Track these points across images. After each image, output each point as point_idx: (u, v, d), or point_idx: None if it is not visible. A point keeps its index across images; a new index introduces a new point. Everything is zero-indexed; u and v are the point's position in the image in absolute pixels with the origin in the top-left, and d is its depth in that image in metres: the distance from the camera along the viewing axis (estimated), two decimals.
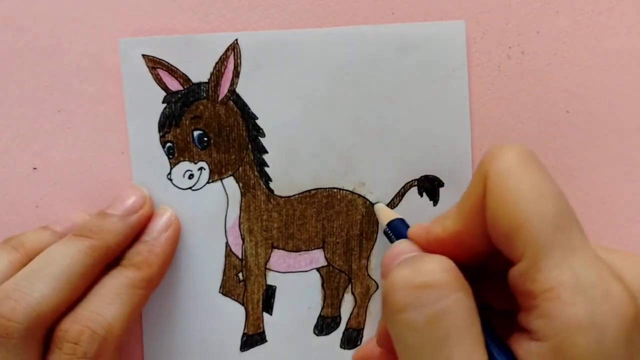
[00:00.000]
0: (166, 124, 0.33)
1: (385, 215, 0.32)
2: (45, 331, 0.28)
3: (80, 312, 0.29)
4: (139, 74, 0.32)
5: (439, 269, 0.22)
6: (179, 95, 0.33)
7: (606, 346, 0.20)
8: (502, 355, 0.22)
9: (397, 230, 0.30)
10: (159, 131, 0.33)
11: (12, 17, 0.32)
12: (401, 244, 0.26)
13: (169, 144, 0.33)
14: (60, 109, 0.33)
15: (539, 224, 0.21)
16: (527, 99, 0.33)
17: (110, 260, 0.31)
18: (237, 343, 0.34)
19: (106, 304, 0.29)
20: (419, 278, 0.22)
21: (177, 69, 0.33)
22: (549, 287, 0.20)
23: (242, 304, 0.34)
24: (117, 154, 0.33)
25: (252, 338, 0.34)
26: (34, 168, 0.33)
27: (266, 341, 0.34)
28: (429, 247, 0.25)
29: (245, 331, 0.34)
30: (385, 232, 0.31)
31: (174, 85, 0.33)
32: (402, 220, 0.31)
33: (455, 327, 0.21)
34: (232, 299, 0.34)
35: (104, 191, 0.33)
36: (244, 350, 0.34)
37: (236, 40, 0.32)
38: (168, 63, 0.33)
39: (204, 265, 0.34)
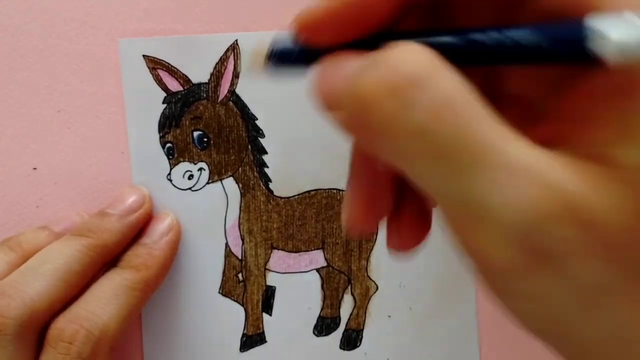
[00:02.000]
0: (166, 124, 0.33)
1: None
2: (39, 329, 0.28)
3: (76, 312, 0.29)
4: (139, 74, 0.33)
5: (413, 55, 0.18)
6: (179, 96, 0.33)
7: None
8: None
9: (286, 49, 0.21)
10: (159, 131, 0.33)
11: (12, 17, 0.32)
12: (335, 64, 0.20)
13: (168, 145, 0.33)
14: (60, 109, 0.33)
15: None
16: None
17: (108, 259, 0.31)
18: (237, 343, 0.34)
19: (103, 305, 0.29)
20: (399, 76, 0.17)
21: (177, 69, 0.33)
22: None
23: (242, 305, 0.34)
24: (117, 154, 0.33)
25: (252, 338, 0.34)
26: (34, 168, 0.33)
27: (266, 342, 0.34)
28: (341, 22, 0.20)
29: (245, 332, 0.34)
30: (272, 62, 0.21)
31: (174, 85, 0.33)
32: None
33: (469, 108, 0.17)
34: (232, 300, 0.34)
35: (104, 191, 0.33)
36: (244, 351, 0.34)
37: (236, 40, 0.33)
38: (168, 63, 0.33)
39: (204, 265, 0.34)
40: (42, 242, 0.31)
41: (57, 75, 0.33)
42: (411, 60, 0.18)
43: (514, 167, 0.17)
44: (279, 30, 0.33)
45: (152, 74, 0.33)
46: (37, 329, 0.28)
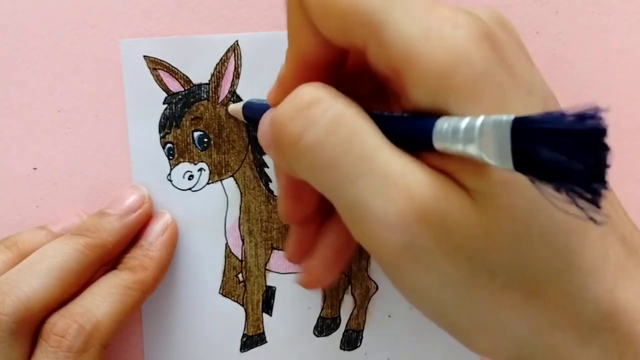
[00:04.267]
0: (166, 124, 0.33)
1: (237, 108, 0.32)
2: (35, 326, 0.28)
3: (70, 308, 0.29)
4: (139, 74, 0.33)
5: (313, 88, 0.22)
6: (180, 96, 0.33)
7: (478, 68, 0.19)
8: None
9: (256, 106, 0.30)
10: (159, 132, 0.33)
11: (12, 17, 0.32)
12: (269, 112, 0.25)
13: (169, 145, 0.33)
14: (60, 109, 0.33)
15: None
16: None
17: (107, 260, 0.31)
18: (237, 344, 0.34)
19: (97, 302, 0.29)
20: (300, 102, 0.21)
21: (177, 70, 0.33)
22: (405, 55, 0.20)
23: (242, 305, 0.34)
24: (117, 154, 0.33)
25: (252, 339, 0.34)
26: (34, 168, 0.33)
27: (266, 342, 0.34)
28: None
29: (245, 332, 0.34)
30: (246, 118, 0.31)
31: (175, 86, 0.33)
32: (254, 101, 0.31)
33: (356, 124, 0.21)
34: (232, 300, 0.34)
35: (104, 191, 0.33)
36: (244, 351, 0.34)
37: (237, 41, 0.33)
38: (169, 64, 0.33)
39: (204, 266, 0.34)
40: (40, 242, 0.31)
41: (57, 75, 0.33)
42: (311, 88, 0.22)
43: (388, 177, 0.20)
44: (279, 30, 0.33)
45: (153, 75, 0.33)
46: (32, 326, 0.28)
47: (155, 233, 0.32)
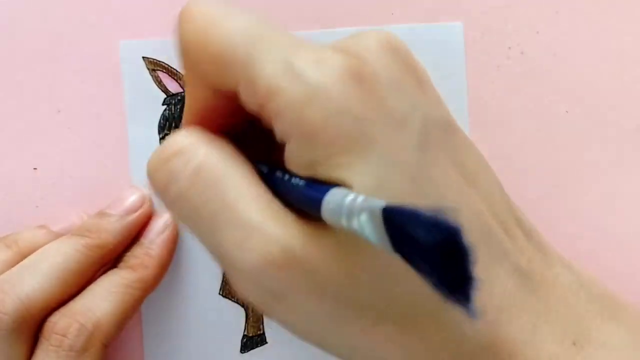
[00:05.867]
0: (166, 125, 0.33)
1: None
2: (35, 326, 0.28)
3: (71, 307, 0.29)
4: (139, 75, 0.33)
5: (182, 136, 0.22)
6: (179, 97, 0.33)
7: (335, 103, 0.20)
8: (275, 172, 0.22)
9: None
10: (159, 133, 0.33)
11: (12, 17, 0.32)
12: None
13: None
14: (60, 109, 0.33)
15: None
16: (527, 99, 0.33)
17: (107, 260, 0.31)
18: (237, 345, 0.34)
19: (98, 301, 0.29)
20: (165, 152, 0.22)
21: (177, 71, 0.33)
22: (267, 91, 0.20)
23: (242, 306, 0.34)
24: (117, 155, 0.33)
25: (252, 340, 0.34)
26: (34, 168, 0.33)
27: (266, 343, 0.34)
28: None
29: (246, 333, 0.34)
30: None
31: (174, 87, 0.33)
32: None
33: (216, 175, 0.21)
34: (232, 301, 0.34)
35: (104, 191, 0.33)
36: (244, 352, 0.34)
37: None
38: (168, 65, 0.33)
39: (204, 266, 0.34)
40: (40, 241, 0.31)
41: (57, 75, 0.33)
42: (180, 137, 0.22)
43: (247, 227, 0.20)
44: None
45: (152, 76, 0.33)
46: (32, 325, 0.28)
47: (156, 231, 0.32)
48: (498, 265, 0.22)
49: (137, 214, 0.32)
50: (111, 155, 0.33)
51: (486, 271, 0.22)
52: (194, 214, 0.22)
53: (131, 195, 0.32)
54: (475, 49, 0.33)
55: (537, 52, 0.33)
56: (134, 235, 0.32)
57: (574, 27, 0.33)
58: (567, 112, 0.33)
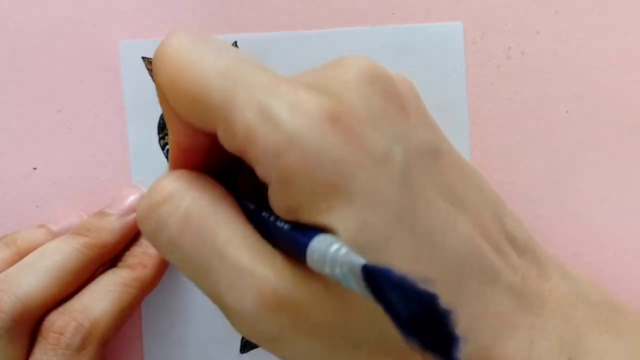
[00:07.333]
0: (165, 126, 0.33)
1: None
2: (33, 324, 0.29)
3: (69, 305, 0.29)
4: (138, 76, 0.33)
5: (169, 181, 0.22)
6: None
7: (312, 149, 0.20)
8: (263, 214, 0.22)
9: None
10: (158, 133, 0.33)
11: (12, 17, 0.33)
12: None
13: (168, 146, 0.33)
14: (60, 109, 0.33)
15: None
16: (527, 99, 0.33)
17: (107, 259, 0.31)
18: (237, 345, 0.34)
19: (96, 300, 0.29)
20: (154, 199, 0.22)
21: None
22: (244, 137, 0.20)
23: None
24: (117, 155, 0.33)
25: None
26: (34, 168, 0.33)
27: None
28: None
29: None
30: None
31: None
32: None
33: (205, 221, 0.21)
34: None
35: (104, 191, 0.33)
36: (244, 352, 0.34)
37: (235, 42, 0.33)
38: None
39: None
40: (39, 241, 0.31)
41: (57, 76, 0.33)
42: (167, 182, 0.22)
43: (237, 272, 0.21)
44: (278, 31, 0.33)
45: (152, 76, 0.33)
46: (30, 324, 0.28)
47: None
48: (490, 287, 0.22)
49: (136, 213, 0.32)
50: (111, 155, 0.33)
51: (478, 294, 0.22)
52: (186, 260, 0.22)
53: (130, 194, 0.32)
54: (475, 49, 0.33)
55: (537, 52, 0.33)
56: (133, 235, 0.32)
57: (574, 27, 0.33)
58: (567, 112, 0.33)
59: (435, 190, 0.22)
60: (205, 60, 0.21)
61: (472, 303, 0.21)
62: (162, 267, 0.32)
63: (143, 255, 0.31)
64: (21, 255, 0.30)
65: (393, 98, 0.22)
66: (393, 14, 0.33)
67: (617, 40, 0.33)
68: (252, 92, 0.20)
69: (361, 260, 0.17)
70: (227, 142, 0.21)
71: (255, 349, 0.34)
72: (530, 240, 0.26)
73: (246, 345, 0.34)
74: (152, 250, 0.31)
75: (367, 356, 0.22)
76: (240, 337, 0.34)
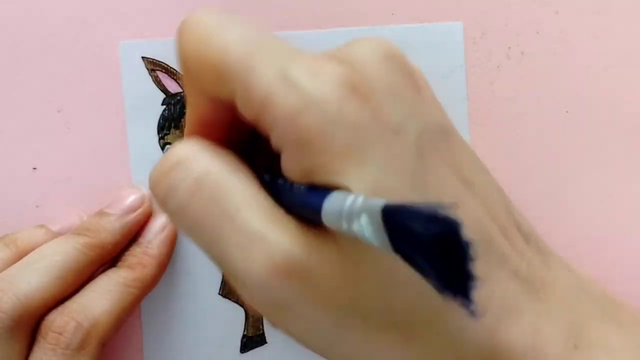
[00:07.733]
0: (165, 126, 0.33)
1: None
2: (33, 324, 0.29)
3: (69, 305, 0.29)
4: (138, 76, 0.33)
5: (183, 147, 0.22)
6: (178, 98, 0.33)
7: (329, 112, 0.20)
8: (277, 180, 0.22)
9: None
10: (158, 133, 0.33)
11: (12, 17, 0.33)
12: None
13: (168, 146, 0.33)
14: (60, 109, 0.33)
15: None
16: (527, 99, 0.33)
17: (106, 259, 0.31)
18: (237, 345, 0.34)
19: (95, 300, 0.29)
20: (166, 164, 0.22)
21: (176, 71, 0.33)
22: (262, 101, 0.20)
23: (242, 306, 0.34)
24: (117, 154, 0.33)
25: (252, 340, 0.34)
26: (34, 168, 0.33)
27: (266, 342, 0.34)
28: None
29: (245, 333, 0.34)
30: None
31: (173, 87, 0.33)
32: None
33: (217, 185, 0.21)
34: (232, 301, 0.34)
35: (104, 191, 0.33)
36: (244, 352, 0.34)
37: None
38: (167, 65, 0.33)
39: (203, 267, 0.34)
40: (39, 241, 0.31)
41: (57, 75, 0.33)
42: (181, 147, 0.22)
43: (249, 237, 0.20)
44: (278, 30, 0.33)
45: (152, 76, 0.33)
46: (30, 324, 0.28)
47: (155, 231, 0.32)
48: (498, 270, 0.22)
49: (136, 213, 0.32)
50: (111, 155, 0.33)
51: (486, 276, 0.22)
52: (195, 225, 0.21)
53: (130, 194, 0.32)
54: (475, 49, 0.33)
55: (537, 52, 0.33)
56: (133, 235, 0.32)
57: (574, 27, 0.33)
58: (567, 112, 0.33)
59: (446, 167, 0.22)
60: (228, 30, 0.21)
61: (477, 285, 0.21)
62: (162, 267, 0.32)
63: (143, 255, 0.31)
64: (21, 255, 0.30)
65: (407, 77, 0.22)
66: (393, 14, 0.33)
67: (617, 40, 0.33)
68: (272, 59, 0.21)
69: (381, 201, 0.16)
70: (244, 110, 0.21)
71: (255, 349, 0.34)
72: (534, 231, 0.26)
73: (246, 345, 0.34)
74: (152, 250, 0.31)
75: (375, 331, 0.21)
76: (240, 337, 0.34)
